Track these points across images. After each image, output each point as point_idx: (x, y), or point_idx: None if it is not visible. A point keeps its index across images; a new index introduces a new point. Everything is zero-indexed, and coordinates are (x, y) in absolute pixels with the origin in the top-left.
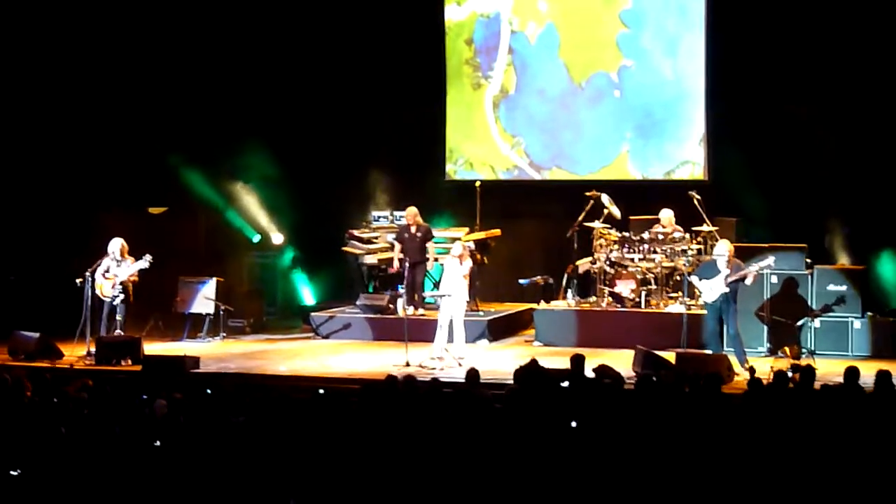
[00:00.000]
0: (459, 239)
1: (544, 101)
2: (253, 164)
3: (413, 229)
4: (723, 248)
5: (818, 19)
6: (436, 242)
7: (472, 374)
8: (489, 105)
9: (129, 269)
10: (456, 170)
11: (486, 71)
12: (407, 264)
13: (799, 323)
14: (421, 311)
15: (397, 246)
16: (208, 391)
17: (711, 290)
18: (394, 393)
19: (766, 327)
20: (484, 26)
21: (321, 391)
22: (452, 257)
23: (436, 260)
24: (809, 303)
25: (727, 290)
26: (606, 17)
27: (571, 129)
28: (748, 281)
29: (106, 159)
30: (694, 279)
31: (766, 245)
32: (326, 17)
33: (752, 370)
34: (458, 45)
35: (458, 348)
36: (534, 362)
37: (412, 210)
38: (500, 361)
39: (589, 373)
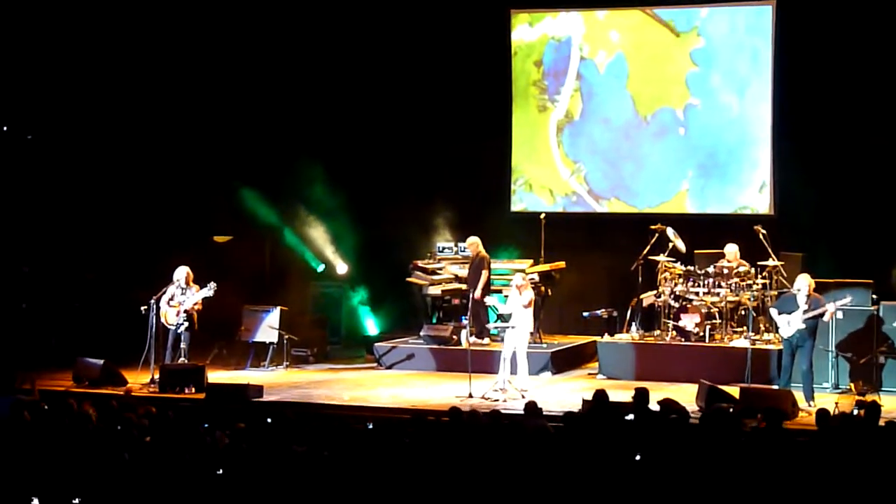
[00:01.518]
0: (523, 270)
1: (608, 131)
2: (318, 193)
3: (475, 260)
4: (803, 283)
5: (886, 59)
6: (500, 274)
7: (531, 406)
8: (553, 129)
9: (194, 297)
10: (515, 189)
11: (552, 94)
12: (471, 295)
13: (864, 360)
14: (486, 339)
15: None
16: (269, 420)
17: (789, 324)
18: (458, 425)
19: (832, 363)
20: (554, 49)
21: (370, 425)
22: (513, 290)
23: (498, 291)
24: (875, 339)
25: (803, 326)
26: (677, 54)
27: (633, 162)
28: (826, 318)
29: (173, 187)
30: (773, 312)
31: (833, 281)
32: (394, 45)
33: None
34: (526, 66)
35: (520, 380)
36: (602, 393)
37: (471, 239)
38: (562, 394)
39: (653, 406)
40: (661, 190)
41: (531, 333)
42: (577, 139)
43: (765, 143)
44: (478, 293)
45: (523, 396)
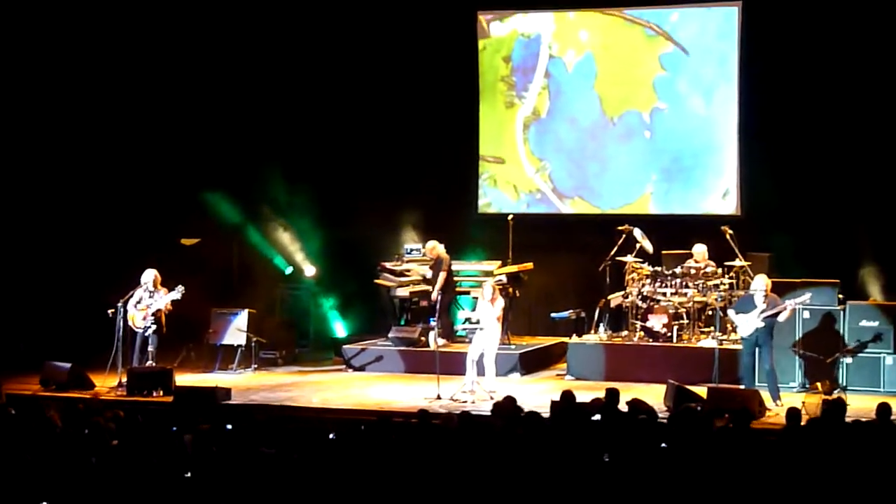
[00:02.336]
0: (491, 273)
1: (574, 130)
2: (285, 195)
3: (434, 262)
4: (760, 283)
5: (853, 60)
6: (468, 276)
7: (508, 403)
8: (520, 125)
9: (162, 300)
10: (481, 184)
11: (520, 91)
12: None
13: (831, 359)
14: (443, 341)
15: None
16: (228, 426)
17: (746, 324)
18: (426, 427)
19: (798, 363)
20: (524, 46)
21: (331, 434)
22: (483, 301)
23: (466, 293)
24: (842, 339)
25: (762, 325)
26: (646, 57)
27: (598, 162)
28: (782, 317)
29: (140, 190)
30: (731, 313)
31: (800, 280)
32: (360, 43)
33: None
34: (495, 62)
35: (489, 381)
36: (568, 394)
37: (430, 244)
38: (531, 395)
39: (622, 407)
40: (625, 192)
41: (500, 336)
42: (544, 137)
43: (731, 149)
44: (434, 294)
45: (492, 398)
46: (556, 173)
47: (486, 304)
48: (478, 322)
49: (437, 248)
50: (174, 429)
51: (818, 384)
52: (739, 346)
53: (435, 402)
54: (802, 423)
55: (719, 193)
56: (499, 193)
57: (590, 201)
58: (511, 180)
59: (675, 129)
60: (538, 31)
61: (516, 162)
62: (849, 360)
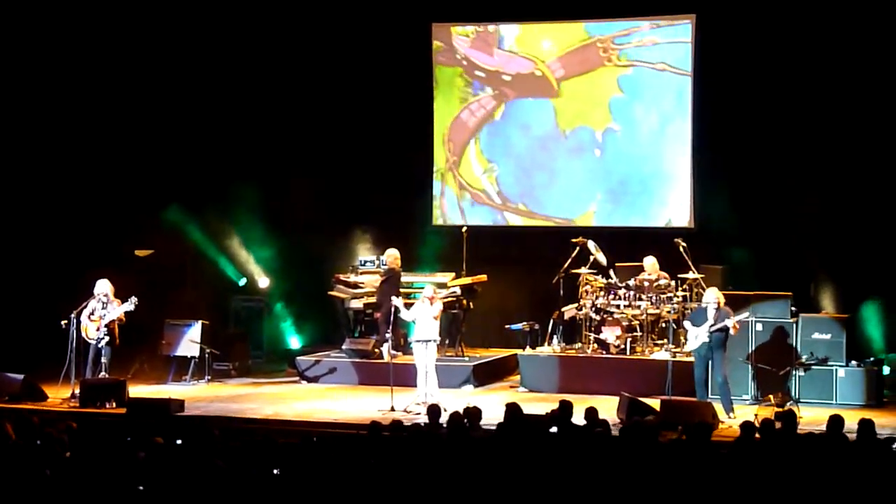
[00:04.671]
0: (444, 285)
1: (526, 137)
2: (240, 207)
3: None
4: (711, 296)
5: (808, 73)
6: (421, 288)
7: (433, 409)
8: (472, 123)
9: (116, 311)
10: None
11: (476, 89)
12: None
13: (783, 371)
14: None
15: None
16: (178, 441)
17: (696, 337)
18: (377, 439)
19: (751, 375)
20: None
21: (314, 438)
22: (423, 299)
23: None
24: (795, 351)
25: (708, 339)
26: (605, 76)
27: (546, 173)
28: (731, 332)
29: (94, 200)
30: (687, 325)
31: (752, 293)
32: (315, 55)
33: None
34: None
35: (434, 393)
36: (514, 406)
37: (390, 252)
38: (483, 406)
39: (575, 419)
40: (569, 206)
41: (444, 344)
42: (495, 139)
43: (678, 180)
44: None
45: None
46: (504, 177)
47: (425, 304)
48: (412, 324)
49: (396, 258)
50: (128, 439)
51: (771, 396)
52: (692, 359)
53: (388, 413)
54: (756, 436)
55: (662, 221)
56: (445, 188)
57: (533, 210)
58: (458, 176)
59: (625, 152)
60: (502, 33)
61: (465, 159)
62: (801, 372)
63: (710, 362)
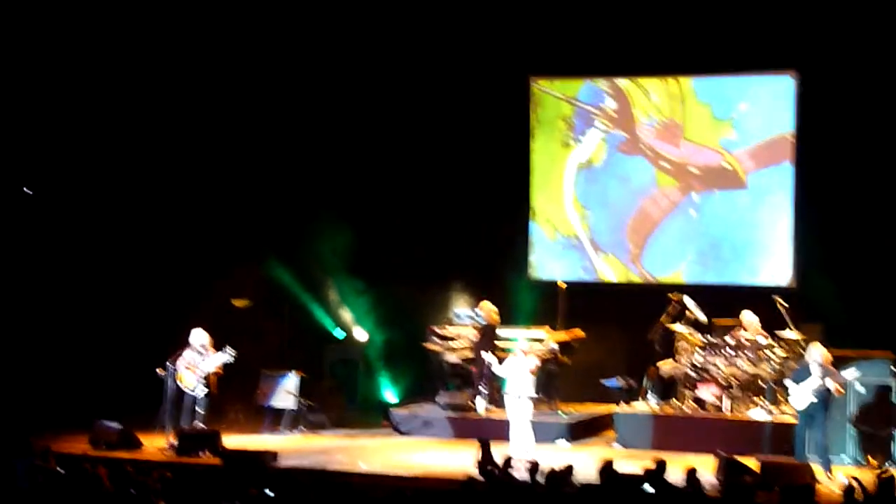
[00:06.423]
0: (541, 340)
1: (623, 188)
2: (338, 259)
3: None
4: (816, 354)
5: None
6: (516, 342)
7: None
8: (571, 168)
9: (212, 361)
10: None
11: (578, 134)
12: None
13: (885, 433)
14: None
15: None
16: (270, 493)
17: (799, 396)
18: (471, 495)
19: (851, 435)
20: (592, 91)
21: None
22: (517, 353)
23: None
24: (894, 412)
25: (814, 398)
26: (709, 138)
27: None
28: (834, 393)
29: (193, 250)
30: (789, 383)
31: (852, 352)
32: (413, 103)
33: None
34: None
35: (529, 449)
36: (608, 464)
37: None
38: (577, 462)
39: (673, 477)
40: (659, 263)
41: (544, 400)
42: (593, 186)
43: (771, 254)
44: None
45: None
46: (597, 225)
47: (519, 357)
48: (505, 381)
49: (492, 311)
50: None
51: (870, 458)
52: (790, 418)
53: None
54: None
55: (761, 279)
56: (535, 227)
57: (621, 259)
58: (551, 218)
59: (722, 217)
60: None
61: (559, 203)
62: None
63: (812, 420)
